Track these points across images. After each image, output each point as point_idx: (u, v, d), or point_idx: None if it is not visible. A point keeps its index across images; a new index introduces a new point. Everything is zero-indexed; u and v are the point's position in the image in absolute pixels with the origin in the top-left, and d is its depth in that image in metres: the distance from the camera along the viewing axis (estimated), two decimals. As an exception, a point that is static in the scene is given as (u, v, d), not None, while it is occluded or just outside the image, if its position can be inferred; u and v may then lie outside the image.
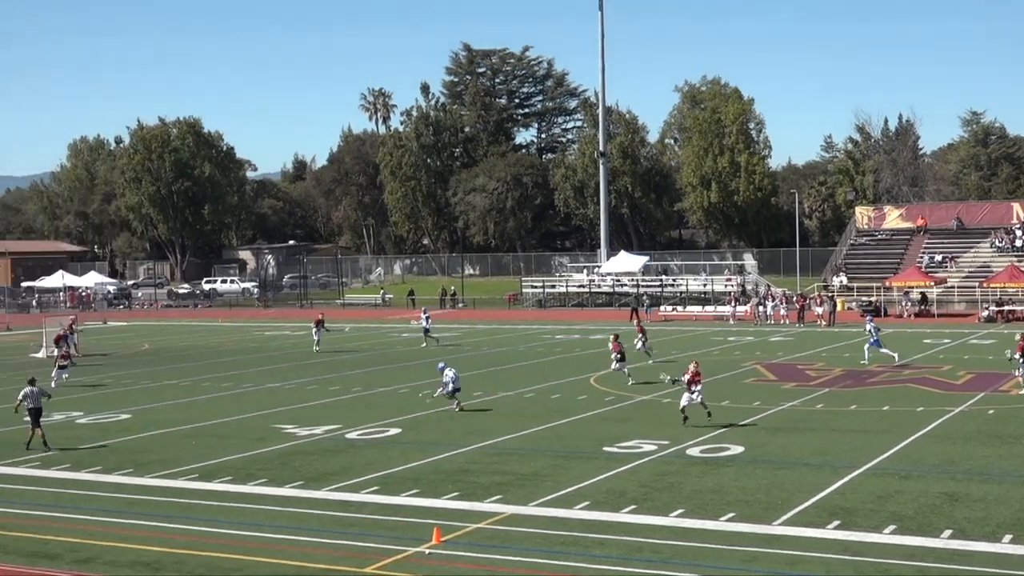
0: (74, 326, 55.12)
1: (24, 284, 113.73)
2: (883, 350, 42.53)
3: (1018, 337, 37.11)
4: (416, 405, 33.88)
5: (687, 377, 29.10)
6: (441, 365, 33.89)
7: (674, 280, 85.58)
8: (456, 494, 21.44)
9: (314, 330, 53.84)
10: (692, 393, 28.90)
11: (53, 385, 38.54)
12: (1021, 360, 34.86)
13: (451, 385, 32.69)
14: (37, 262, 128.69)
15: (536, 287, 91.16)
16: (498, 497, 21.11)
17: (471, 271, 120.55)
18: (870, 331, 43.00)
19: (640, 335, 45.59)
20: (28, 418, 27.98)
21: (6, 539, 18.87)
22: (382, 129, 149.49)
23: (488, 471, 23.60)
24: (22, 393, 28.42)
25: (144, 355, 53.52)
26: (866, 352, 42.81)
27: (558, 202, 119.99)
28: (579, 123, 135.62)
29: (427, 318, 56.70)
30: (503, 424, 29.88)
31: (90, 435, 29.76)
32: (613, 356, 38.74)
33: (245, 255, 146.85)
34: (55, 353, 47.73)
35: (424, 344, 54.38)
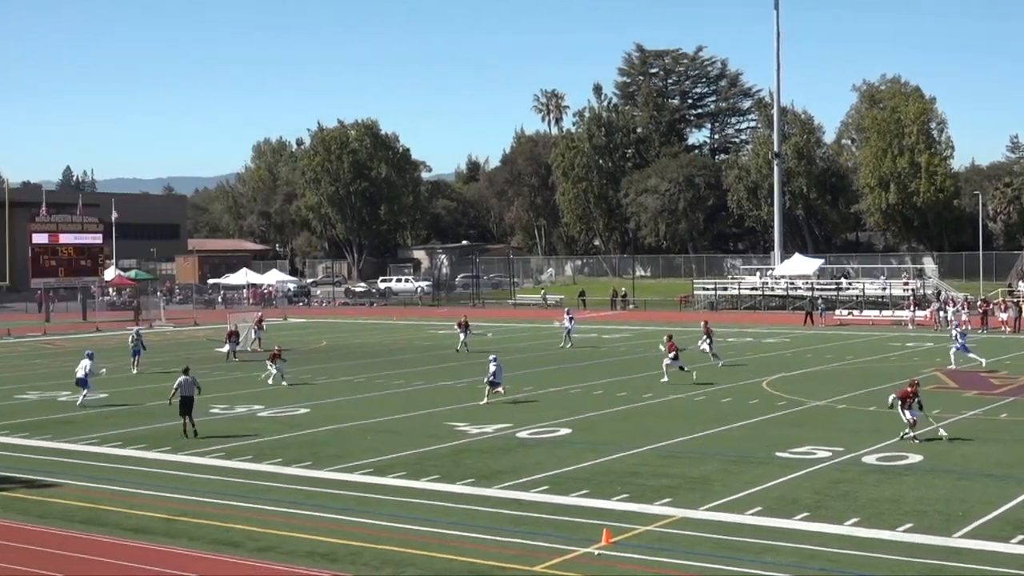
0: (262, 323, 56.85)
1: (210, 281, 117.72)
2: (971, 355, 42.35)
3: None
4: (587, 405, 33.88)
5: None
6: (492, 357, 35.82)
7: (850, 284, 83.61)
8: (626, 496, 21.35)
9: (459, 331, 54.23)
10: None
11: (270, 382, 39.98)
12: None
13: (490, 377, 34.47)
14: (222, 260, 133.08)
15: (708, 289, 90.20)
16: (668, 500, 20.96)
17: (642, 272, 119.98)
18: (956, 336, 43.47)
19: (706, 336, 45.25)
20: (177, 405, 29.32)
21: (191, 526, 19.55)
22: (554, 130, 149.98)
23: (658, 473, 23.45)
24: (176, 383, 29.61)
25: (321, 352, 54.83)
26: (952, 357, 42.63)
27: (731, 203, 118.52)
28: (753, 123, 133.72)
29: (570, 319, 56.38)
30: (673, 427, 29.65)
31: (270, 428, 30.62)
32: (668, 355, 39.64)
33: (419, 254, 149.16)
34: (230, 348, 49.70)
35: (564, 344, 54.11)
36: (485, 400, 34.53)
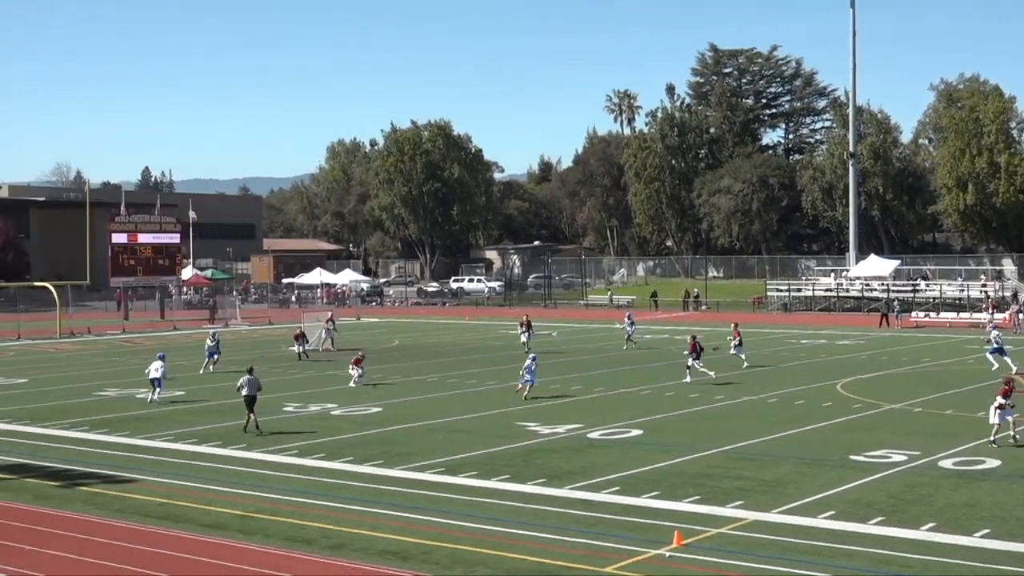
0: (333, 321, 57.33)
1: (285, 280, 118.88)
2: (1006, 358, 41.74)
3: None
4: (659, 406, 33.76)
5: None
6: (532, 355, 38.14)
7: (927, 285, 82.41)
8: (697, 498, 21.24)
9: (521, 331, 54.35)
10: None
11: (352, 384, 39.96)
12: None
13: (525, 375, 36.02)
14: (297, 259, 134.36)
15: (781, 290, 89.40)
16: (740, 502, 20.81)
17: (714, 273, 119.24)
18: (993, 339, 43.14)
19: (735, 338, 45.33)
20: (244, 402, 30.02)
21: (266, 523, 19.77)
22: (627, 130, 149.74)
23: (730, 475, 23.29)
24: (240, 381, 30.31)
25: (394, 351, 55.15)
26: (991, 359, 41.96)
27: (805, 204, 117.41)
28: (828, 123, 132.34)
29: (631, 323, 55.96)
30: (745, 428, 29.43)
31: (343, 426, 30.87)
32: (688, 354, 40.37)
33: (491, 255, 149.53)
34: (303, 347, 50.16)
35: (626, 347, 53.83)
36: (525, 394, 35.93)
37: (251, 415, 29.84)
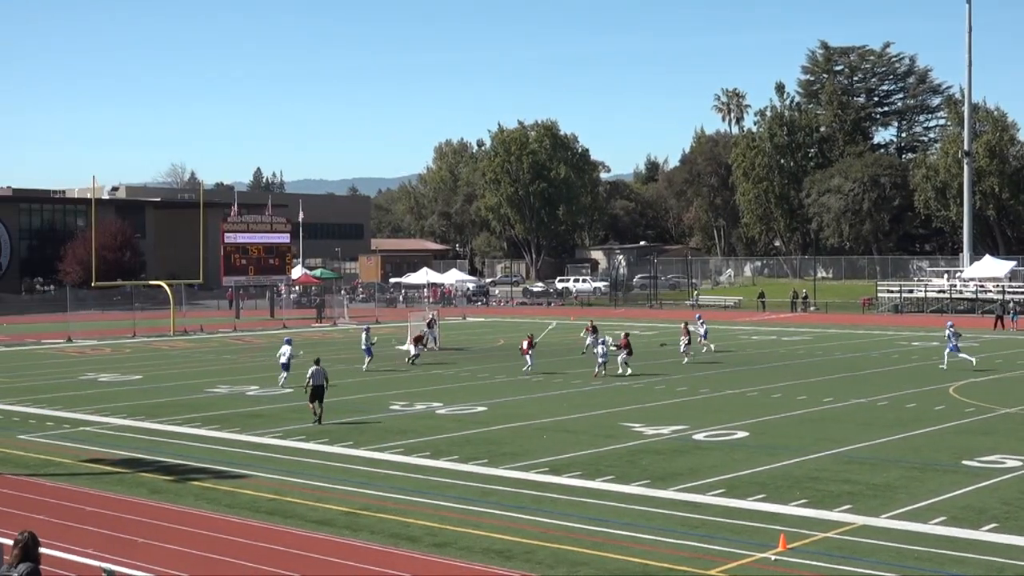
0: (436, 320, 57.68)
1: (392, 280, 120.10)
2: (960, 355, 43.24)
3: None
4: (765, 408, 33.42)
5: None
6: (603, 339, 43.45)
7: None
8: (804, 501, 20.98)
9: (586, 336, 53.16)
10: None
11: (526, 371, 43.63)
12: None
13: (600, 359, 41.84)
14: (404, 259, 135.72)
15: (892, 291, 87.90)
16: (848, 507, 20.52)
17: (823, 274, 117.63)
18: (949, 336, 44.15)
19: (684, 336, 47.74)
20: (308, 392, 31.52)
21: (372, 520, 20.00)
22: (735, 130, 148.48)
23: (838, 479, 22.97)
24: (309, 372, 31.57)
25: (499, 350, 55.36)
26: (945, 357, 43.65)
27: (918, 204, 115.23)
28: (942, 121, 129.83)
29: (702, 323, 54.64)
30: (854, 432, 29.00)
31: (448, 425, 31.08)
32: (621, 351, 43.36)
33: (597, 255, 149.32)
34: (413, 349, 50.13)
35: (703, 349, 52.71)
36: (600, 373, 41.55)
37: (316, 405, 31.17)
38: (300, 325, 74.67)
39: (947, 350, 43.82)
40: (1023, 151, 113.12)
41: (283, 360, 39.84)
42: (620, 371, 42.74)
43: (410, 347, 49.68)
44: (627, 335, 44.86)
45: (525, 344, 45.08)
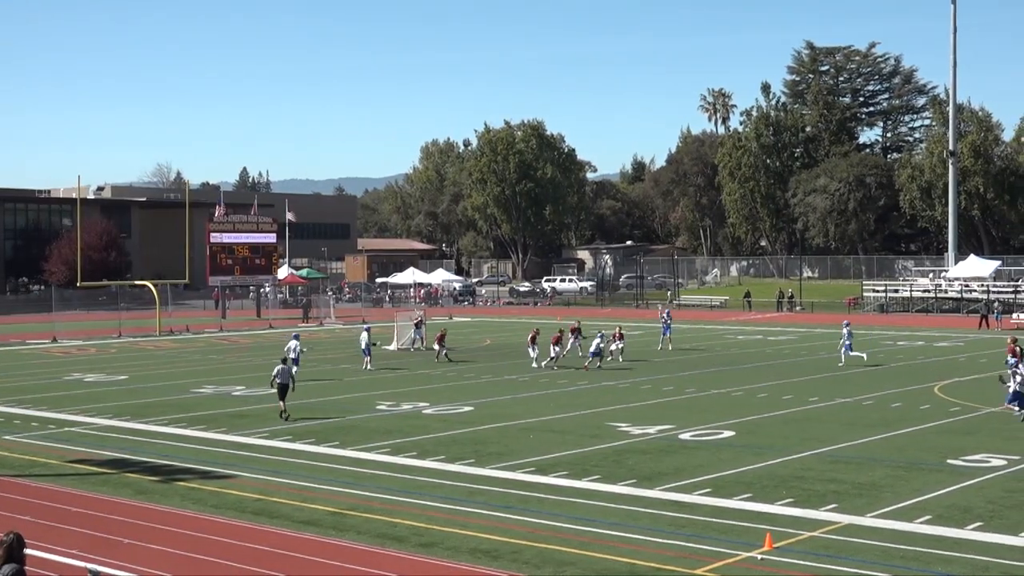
0: (423, 320, 57.66)
1: (378, 280, 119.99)
2: (852, 353, 45.92)
3: (1009, 340, 38.89)
4: (751, 408, 33.47)
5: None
6: (600, 334, 45.56)
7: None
8: (790, 500, 21.02)
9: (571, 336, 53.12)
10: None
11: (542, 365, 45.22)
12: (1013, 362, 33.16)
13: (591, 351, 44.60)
14: (390, 259, 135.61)
15: (878, 291, 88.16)
16: (833, 506, 20.56)
17: (809, 273, 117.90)
18: (845, 335, 46.38)
19: (618, 340, 48.15)
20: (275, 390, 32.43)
21: (359, 520, 19.97)
22: (721, 130, 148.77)
23: (823, 478, 23.02)
24: (275, 371, 32.45)
25: (485, 350, 55.34)
26: (842, 355, 46.15)
27: (903, 203, 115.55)
28: (927, 121, 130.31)
29: (668, 320, 54.94)
30: (840, 431, 29.06)
31: (435, 425, 31.06)
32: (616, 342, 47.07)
33: (583, 255, 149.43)
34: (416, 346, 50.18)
35: (660, 347, 53.26)
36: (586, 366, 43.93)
37: (281, 403, 32.10)
38: (286, 325, 74.54)
39: (843, 349, 46.35)
40: (1007, 151, 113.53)
41: (292, 356, 40.81)
42: (619, 359, 46.96)
43: (435, 346, 50.33)
44: (620, 328, 48.76)
45: (530, 337, 47.70)
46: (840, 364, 45.63)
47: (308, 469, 24.79)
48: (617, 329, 49.09)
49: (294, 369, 39.93)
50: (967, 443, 26.97)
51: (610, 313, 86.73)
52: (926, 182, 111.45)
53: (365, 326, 51.24)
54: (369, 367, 46.08)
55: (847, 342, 46.35)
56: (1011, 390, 30.78)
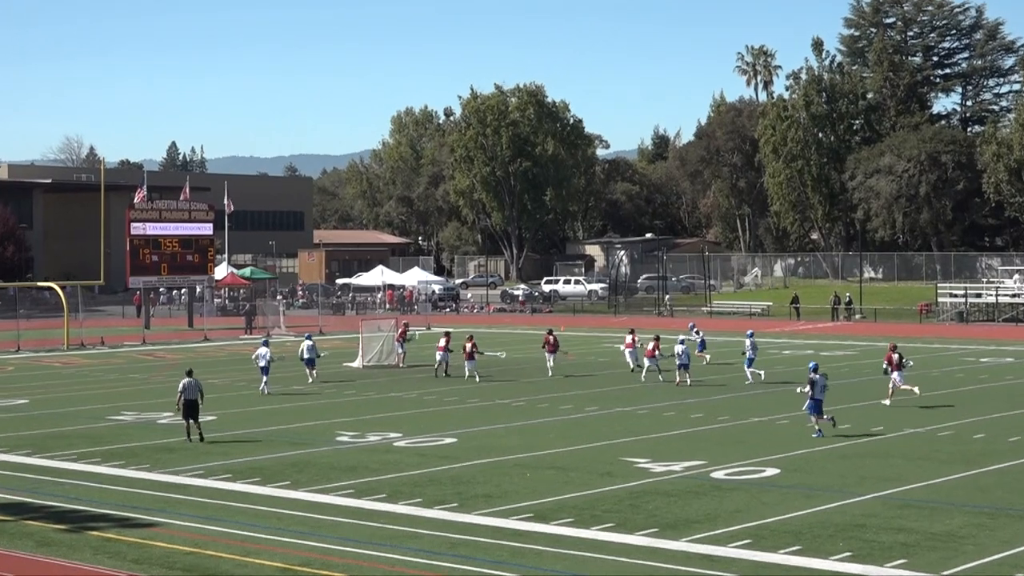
0: (405, 333, 57.39)
1: (339, 281, 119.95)
2: (750, 368, 47.91)
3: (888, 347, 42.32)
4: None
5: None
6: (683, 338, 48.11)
7: None
8: (848, 554, 21.05)
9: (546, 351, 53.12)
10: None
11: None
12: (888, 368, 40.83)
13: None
14: (354, 255, 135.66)
15: (956, 295, 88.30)
16: (902, 561, 20.59)
17: (871, 274, 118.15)
18: (749, 347, 47.93)
19: (546, 344, 51.40)
20: (180, 409, 34.07)
21: (313, 578, 19.96)
22: (762, 96, 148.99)
23: (889, 527, 23.06)
24: (180, 385, 33.94)
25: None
26: (747, 371, 47.86)
27: (987, 187, 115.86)
28: (1016, 87, 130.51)
29: (697, 332, 55.36)
30: (909, 469, 29.10)
31: (409, 461, 31.04)
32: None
33: (593, 250, 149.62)
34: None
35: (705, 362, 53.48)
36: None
37: (191, 421, 33.79)
38: (225, 337, 74.50)
39: (745, 364, 48.04)
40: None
41: (261, 364, 44.38)
42: (659, 376, 48.06)
43: (464, 363, 50.40)
44: (658, 338, 49.29)
45: (547, 336, 51.59)
46: (748, 382, 47.07)
47: (251, 516, 24.76)
48: (655, 339, 49.25)
49: (263, 383, 44.15)
50: (1066, 483, 27.05)
51: (626, 323, 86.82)
52: (1015, 161, 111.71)
53: (307, 336, 51.29)
54: (313, 380, 47.76)
55: (750, 355, 47.80)
56: (811, 398, 34.33)
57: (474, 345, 49.97)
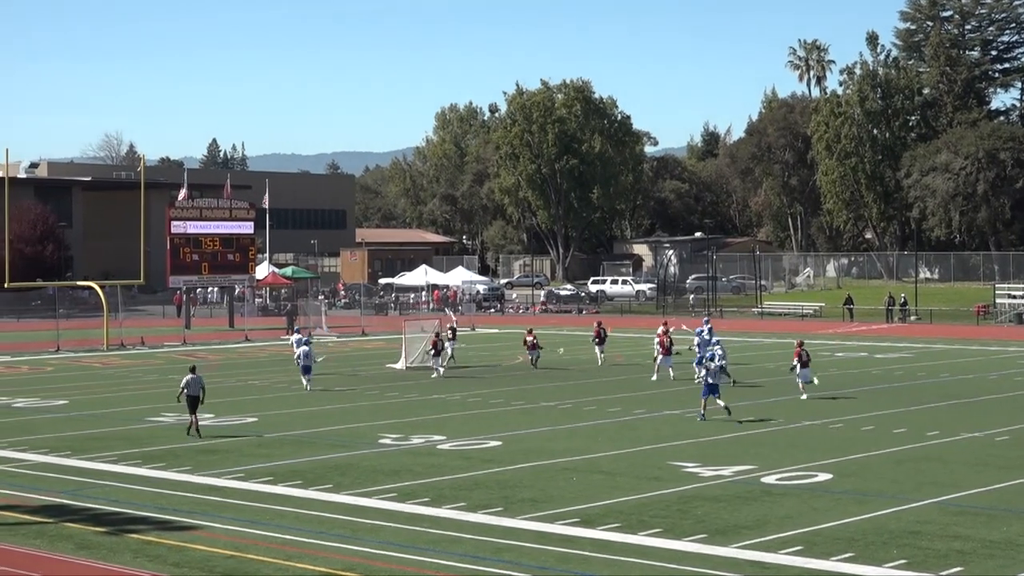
0: (454, 331, 57.67)
1: (382, 280, 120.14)
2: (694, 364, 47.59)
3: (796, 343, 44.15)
4: (853, 444, 33.36)
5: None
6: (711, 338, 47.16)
7: None
8: (902, 562, 20.96)
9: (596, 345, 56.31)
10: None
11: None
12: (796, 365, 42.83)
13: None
14: (397, 254, 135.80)
15: (1015, 296, 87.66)
16: (958, 569, 20.49)
17: (928, 274, 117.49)
18: (699, 344, 48.06)
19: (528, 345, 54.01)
20: (185, 403, 35.59)
21: (355, 583, 20.03)
22: (815, 92, 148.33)
23: (945, 534, 22.94)
24: (183, 381, 35.50)
25: (518, 369, 55.34)
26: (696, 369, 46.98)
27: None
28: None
29: (710, 331, 53.58)
30: (966, 474, 28.95)
31: (453, 464, 31.08)
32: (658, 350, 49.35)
33: (641, 249, 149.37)
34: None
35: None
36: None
37: (193, 417, 35.23)
38: (266, 338, 74.79)
39: (695, 362, 47.65)
40: None
41: (302, 363, 45.76)
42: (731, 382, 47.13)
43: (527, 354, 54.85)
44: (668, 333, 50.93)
45: (596, 328, 55.74)
46: (696, 380, 45.37)
47: (293, 519, 24.85)
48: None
49: (305, 382, 45.40)
50: None
51: (675, 323, 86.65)
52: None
53: (304, 336, 51.07)
54: (309, 387, 46.80)
55: (701, 352, 46.96)
56: (707, 382, 37.83)
57: (535, 338, 54.85)
